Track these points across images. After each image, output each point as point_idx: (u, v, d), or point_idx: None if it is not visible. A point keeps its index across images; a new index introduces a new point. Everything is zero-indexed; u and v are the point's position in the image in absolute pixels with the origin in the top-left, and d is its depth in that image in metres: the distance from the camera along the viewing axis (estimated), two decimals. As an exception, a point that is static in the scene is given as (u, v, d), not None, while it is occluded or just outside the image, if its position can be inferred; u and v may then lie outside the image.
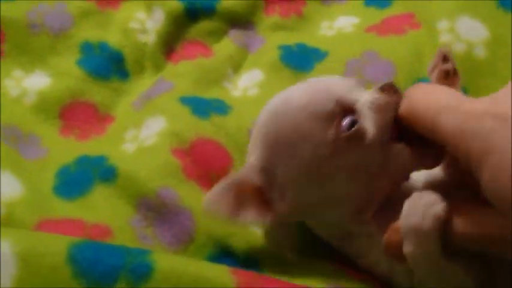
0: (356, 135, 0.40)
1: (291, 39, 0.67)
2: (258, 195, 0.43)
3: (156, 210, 0.46)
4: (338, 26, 0.68)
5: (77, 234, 0.42)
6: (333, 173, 0.41)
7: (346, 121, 0.41)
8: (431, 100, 0.38)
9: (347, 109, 0.41)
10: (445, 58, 0.46)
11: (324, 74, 0.60)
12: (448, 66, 0.46)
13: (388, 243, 0.39)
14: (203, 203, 0.42)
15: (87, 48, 0.63)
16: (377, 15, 0.67)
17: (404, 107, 0.40)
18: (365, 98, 0.42)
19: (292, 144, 0.41)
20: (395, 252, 0.38)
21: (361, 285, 0.43)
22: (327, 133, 0.41)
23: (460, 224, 0.36)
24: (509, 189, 0.32)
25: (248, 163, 0.44)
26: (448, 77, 0.45)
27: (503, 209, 0.33)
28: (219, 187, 0.43)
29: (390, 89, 0.42)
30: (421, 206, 0.36)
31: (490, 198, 0.34)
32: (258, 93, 0.60)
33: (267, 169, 0.43)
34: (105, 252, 0.37)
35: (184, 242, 0.45)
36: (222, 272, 0.38)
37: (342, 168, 0.41)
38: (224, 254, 0.45)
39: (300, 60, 0.63)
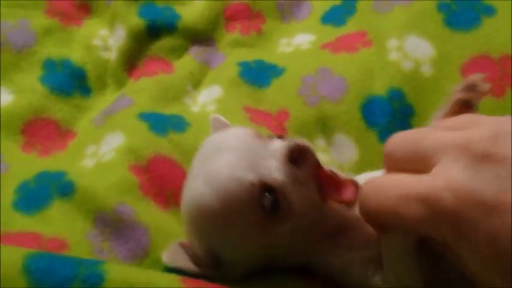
0: (283, 213, 0.41)
1: (250, 55, 0.69)
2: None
3: (113, 225, 0.48)
4: (296, 43, 0.71)
5: (33, 247, 0.44)
6: (272, 244, 0.42)
7: (268, 204, 0.40)
8: (385, 197, 0.37)
9: (263, 188, 0.40)
10: (470, 88, 0.43)
11: (280, 89, 0.63)
12: (464, 95, 0.43)
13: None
14: (163, 257, 0.44)
15: (49, 65, 0.64)
16: (332, 33, 0.69)
17: (361, 210, 0.39)
18: (276, 169, 0.41)
19: (224, 236, 0.42)
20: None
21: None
22: (253, 219, 0.41)
23: None
24: (487, 270, 0.33)
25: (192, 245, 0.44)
26: (466, 109, 0.43)
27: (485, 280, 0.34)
28: (170, 251, 0.44)
29: (299, 156, 0.41)
30: None
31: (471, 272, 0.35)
32: (216, 109, 0.62)
33: (210, 252, 0.43)
34: (58, 263, 0.38)
35: (140, 256, 0.47)
36: (172, 281, 0.39)
37: (280, 238, 0.42)
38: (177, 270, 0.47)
39: (258, 76, 0.65)
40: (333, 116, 0.59)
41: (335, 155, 0.58)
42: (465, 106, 0.43)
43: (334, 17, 0.72)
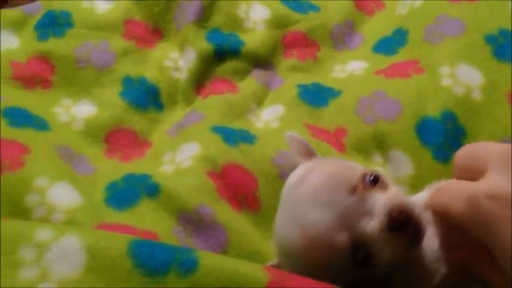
0: (373, 265, 0.42)
1: (307, 79, 0.74)
2: None
3: (194, 224, 0.53)
4: (349, 69, 0.76)
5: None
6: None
7: (358, 257, 0.42)
8: (443, 195, 0.43)
9: (358, 243, 0.42)
10: None
11: (337, 109, 0.68)
12: None
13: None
14: None
15: (128, 81, 0.70)
16: (384, 61, 0.75)
17: (430, 203, 0.45)
18: (375, 230, 0.42)
19: (311, 272, 0.43)
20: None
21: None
22: (343, 270, 0.43)
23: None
24: None
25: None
26: None
27: None
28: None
29: (402, 226, 0.41)
30: None
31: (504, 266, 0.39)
32: (279, 126, 0.68)
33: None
34: (158, 248, 0.43)
35: (219, 253, 0.52)
36: (257, 269, 0.44)
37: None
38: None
39: (316, 97, 0.71)
40: (389, 133, 0.64)
41: (392, 170, 0.63)
42: None
43: (385, 47, 0.78)
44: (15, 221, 0.46)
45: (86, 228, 0.48)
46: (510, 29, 0.69)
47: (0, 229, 0.41)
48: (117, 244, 0.42)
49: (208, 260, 0.43)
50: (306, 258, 0.44)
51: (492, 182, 0.40)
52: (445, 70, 0.67)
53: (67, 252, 0.41)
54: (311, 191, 0.44)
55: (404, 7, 0.80)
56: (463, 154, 0.45)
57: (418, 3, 0.78)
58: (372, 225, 0.42)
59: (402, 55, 0.75)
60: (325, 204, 0.42)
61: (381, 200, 0.43)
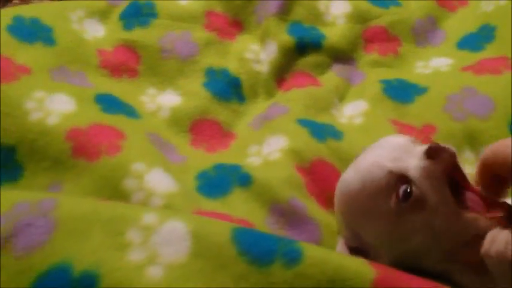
0: (415, 202, 0.44)
1: (390, 75, 0.73)
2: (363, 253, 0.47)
3: (288, 216, 0.52)
4: (433, 65, 0.74)
5: (229, 223, 0.48)
6: (406, 236, 0.45)
7: (402, 190, 0.44)
8: (507, 142, 0.43)
9: (400, 178, 0.45)
10: None
11: (424, 105, 0.66)
12: None
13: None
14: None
15: (211, 73, 0.70)
16: (471, 57, 0.73)
17: (486, 153, 0.44)
18: (415, 165, 0.45)
19: (363, 220, 0.47)
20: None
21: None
22: (387, 206, 0.45)
23: None
24: None
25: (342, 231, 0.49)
26: None
27: None
28: (338, 247, 0.49)
29: (437, 153, 0.45)
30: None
31: None
32: (364, 122, 0.66)
33: (355, 237, 0.48)
34: (261, 237, 0.42)
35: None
36: (362, 263, 0.42)
37: (413, 231, 0.45)
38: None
39: (401, 93, 0.69)
40: (481, 130, 0.62)
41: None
42: None
43: (471, 43, 0.76)
44: (121, 203, 0.46)
45: (188, 213, 0.48)
46: None
47: (108, 211, 0.41)
48: (222, 230, 0.42)
49: (313, 251, 0.42)
50: (357, 195, 0.46)
51: None
52: (540, 66, 0.65)
53: (173, 236, 0.41)
54: (376, 143, 0.49)
55: (490, 4, 0.78)
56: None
57: (504, 2, 0.76)
58: (415, 161, 0.45)
59: (490, 51, 0.72)
60: (384, 145, 0.48)
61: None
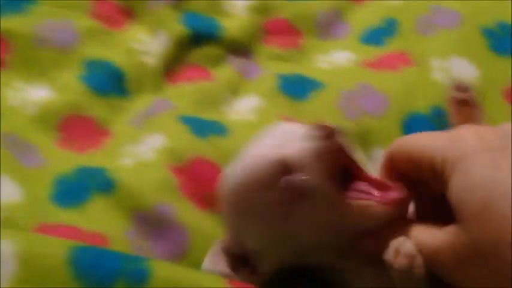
0: (300, 191, 0.40)
1: (289, 69, 0.69)
2: (243, 260, 0.43)
3: (153, 224, 0.47)
4: (333, 60, 0.71)
5: (74, 240, 0.43)
6: (294, 231, 0.41)
7: (285, 180, 0.40)
8: (414, 136, 0.41)
9: (283, 167, 0.41)
10: (459, 88, 0.46)
11: (319, 102, 0.63)
12: (461, 95, 0.46)
13: None
14: (203, 264, 0.43)
15: (90, 65, 0.64)
16: (372, 52, 0.69)
17: (387, 149, 0.42)
18: (304, 149, 0.41)
19: (249, 217, 0.42)
20: None
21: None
22: (274, 199, 0.40)
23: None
24: (473, 197, 0.35)
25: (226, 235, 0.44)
26: (463, 107, 0.46)
27: (463, 216, 0.35)
28: (211, 253, 0.44)
29: (326, 132, 0.41)
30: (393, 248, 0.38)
31: (454, 204, 0.36)
32: (255, 118, 0.62)
33: (238, 240, 0.43)
34: (103, 256, 0.38)
35: (178, 256, 0.46)
36: (218, 281, 0.38)
37: (300, 224, 0.41)
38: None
39: (297, 89, 0.65)
40: (373, 130, 0.59)
41: (374, 169, 0.57)
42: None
43: (373, 37, 0.72)
44: None
45: (22, 230, 0.42)
46: (510, 22, 0.64)
47: None
48: (57, 251, 0.37)
49: (163, 270, 0.38)
50: (240, 193, 0.41)
51: (480, 130, 0.38)
52: (436, 63, 0.62)
53: (-4, 259, 0.35)
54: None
55: (398, -3, 0.75)
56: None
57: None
58: (300, 144, 0.41)
59: (391, 46, 0.69)
60: (270, 134, 0.43)
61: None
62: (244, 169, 0.42)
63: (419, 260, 0.37)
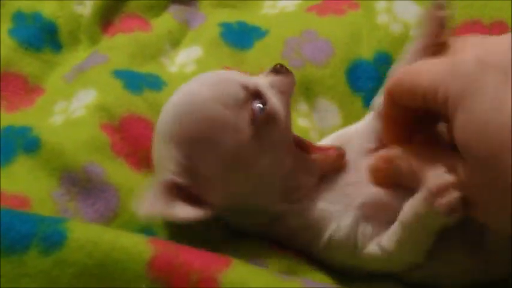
0: (268, 118, 0.41)
1: (233, 17, 0.66)
2: (187, 193, 0.41)
3: (81, 185, 0.45)
4: (281, 5, 0.68)
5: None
6: (255, 158, 0.41)
7: (256, 105, 0.41)
8: (411, 67, 0.41)
9: (253, 93, 0.42)
10: (440, 7, 0.44)
11: (262, 51, 0.60)
12: (444, 13, 0.44)
13: (375, 170, 0.42)
14: (139, 208, 0.40)
15: (19, 17, 0.61)
16: (321, -5, 0.67)
17: (387, 84, 0.42)
18: (265, 81, 0.44)
19: (209, 139, 0.41)
20: (381, 179, 0.42)
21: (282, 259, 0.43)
22: (242, 120, 0.41)
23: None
24: (477, 136, 0.34)
25: (168, 169, 0.41)
26: (443, 27, 0.44)
27: (469, 154, 0.35)
28: (147, 192, 0.41)
29: (282, 70, 0.44)
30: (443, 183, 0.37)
31: (459, 143, 0.36)
32: (195, 70, 0.59)
33: (189, 167, 0.41)
34: (18, 219, 0.36)
35: (108, 218, 0.45)
36: (140, 241, 0.37)
37: (263, 151, 0.41)
38: (148, 232, 0.44)
39: (240, 38, 0.62)
40: (317, 79, 0.57)
41: (317, 121, 0.56)
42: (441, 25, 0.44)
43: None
44: None
45: None
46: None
47: None
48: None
49: (80, 232, 0.37)
50: (209, 109, 0.41)
51: (482, 51, 0.37)
52: (381, 5, 0.60)
53: None
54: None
55: None
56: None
57: None
58: (264, 79, 0.44)
59: (339, -12, 0.67)
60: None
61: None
62: (218, 89, 0.42)
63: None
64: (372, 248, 0.42)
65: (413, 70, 0.40)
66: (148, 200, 0.40)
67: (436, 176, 0.37)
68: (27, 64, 0.58)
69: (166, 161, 0.41)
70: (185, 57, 0.61)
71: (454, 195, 0.37)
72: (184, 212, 0.40)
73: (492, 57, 0.36)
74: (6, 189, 0.43)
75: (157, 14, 0.66)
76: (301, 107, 0.57)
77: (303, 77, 0.57)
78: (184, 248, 0.38)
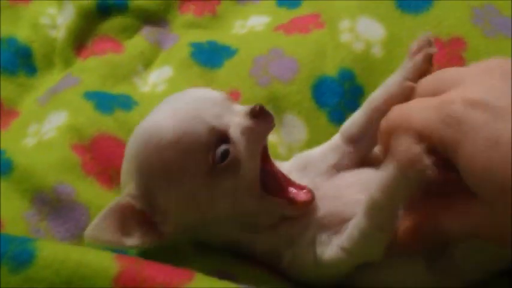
0: (231, 165, 0.41)
1: (204, 36, 0.68)
2: (141, 219, 0.42)
3: (51, 205, 0.47)
4: (250, 24, 0.70)
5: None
6: (211, 200, 0.42)
7: (220, 151, 0.41)
8: (402, 108, 0.41)
9: (220, 137, 0.42)
10: (430, 43, 0.46)
11: (232, 70, 0.62)
12: (434, 50, 0.46)
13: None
14: (86, 231, 0.41)
15: (-6, 42, 0.62)
16: (287, 14, 0.68)
17: (381, 125, 0.42)
18: (237, 124, 0.42)
19: (168, 177, 0.41)
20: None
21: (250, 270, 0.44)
22: (202, 165, 0.41)
23: (450, 218, 0.38)
24: (482, 176, 0.35)
25: (127, 190, 0.42)
26: (430, 62, 0.46)
27: (480, 194, 0.36)
28: (101, 214, 0.41)
29: (261, 114, 0.43)
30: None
31: (468, 184, 0.36)
32: (166, 89, 0.61)
33: (147, 196, 0.42)
34: (-12, 240, 0.37)
35: (79, 236, 0.46)
36: (106, 258, 0.38)
37: (220, 195, 0.42)
38: (116, 250, 0.45)
39: (210, 57, 0.64)
40: (283, 96, 0.58)
41: (285, 136, 0.58)
42: (429, 61, 0.46)
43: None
44: None
45: None
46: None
47: None
48: None
49: (48, 250, 0.38)
50: (172, 145, 0.40)
51: (468, 90, 0.38)
52: (345, 24, 0.62)
53: None
54: (186, 93, 0.45)
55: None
56: (430, 78, 0.43)
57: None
58: (238, 121, 0.43)
59: (305, 8, 0.69)
60: (203, 98, 0.43)
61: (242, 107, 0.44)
62: (185, 129, 0.41)
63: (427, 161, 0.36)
64: (331, 251, 0.42)
65: (405, 113, 0.41)
66: (101, 222, 0.41)
67: (406, 148, 0.37)
68: (3, 88, 0.59)
69: (129, 181, 0.43)
70: (156, 77, 0.63)
71: (425, 162, 0.36)
72: (134, 239, 0.41)
73: (477, 95, 0.37)
74: (-21, 211, 0.45)
75: (130, 35, 0.68)
76: (270, 124, 0.58)
77: (270, 93, 0.59)
78: (149, 263, 0.39)
